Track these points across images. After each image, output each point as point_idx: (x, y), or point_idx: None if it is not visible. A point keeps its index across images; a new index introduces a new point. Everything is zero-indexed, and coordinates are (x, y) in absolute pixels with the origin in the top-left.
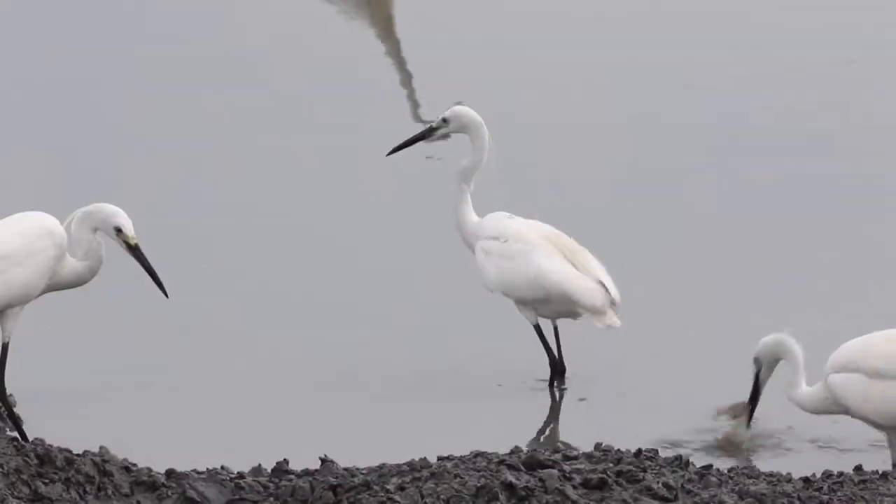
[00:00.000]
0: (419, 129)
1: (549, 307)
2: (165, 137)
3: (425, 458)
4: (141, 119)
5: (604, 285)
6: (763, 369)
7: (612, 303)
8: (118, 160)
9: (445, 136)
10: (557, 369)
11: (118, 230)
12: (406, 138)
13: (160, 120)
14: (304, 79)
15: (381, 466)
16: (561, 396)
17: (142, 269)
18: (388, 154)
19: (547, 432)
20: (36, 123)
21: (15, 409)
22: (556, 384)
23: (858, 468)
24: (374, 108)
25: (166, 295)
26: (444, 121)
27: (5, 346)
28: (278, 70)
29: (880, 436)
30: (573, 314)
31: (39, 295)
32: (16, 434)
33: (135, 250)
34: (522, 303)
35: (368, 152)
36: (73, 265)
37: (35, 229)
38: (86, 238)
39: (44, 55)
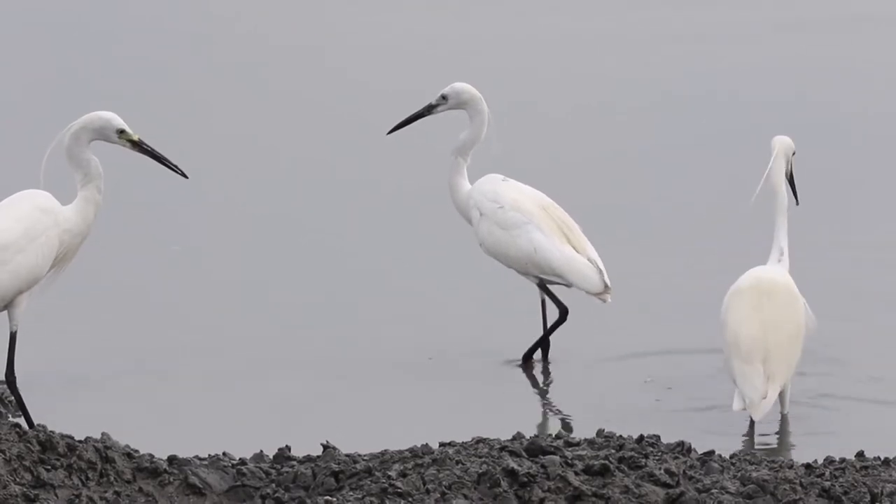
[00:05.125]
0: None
1: (542, 277)
2: (164, 138)
3: (427, 445)
4: (141, 120)
5: (598, 268)
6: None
7: (606, 286)
8: (118, 161)
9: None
10: (563, 314)
11: (121, 131)
12: (405, 116)
13: (160, 121)
14: (302, 77)
15: (383, 453)
16: (563, 382)
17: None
18: (389, 132)
19: (549, 418)
20: (36, 125)
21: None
22: (545, 363)
23: (860, 454)
24: (368, 107)
25: (185, 175)
26: (444, 98)
27: (14, 335)
28: (276, 70)
29: (882, 423)
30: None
31: (49, 270)
32: (18, 420)
33: (139, 145)
34: (516, 269)
35: (362, 150)
36: (67, 218)
37: (32, 212)
38: (84, 156)
39: (45, 57)
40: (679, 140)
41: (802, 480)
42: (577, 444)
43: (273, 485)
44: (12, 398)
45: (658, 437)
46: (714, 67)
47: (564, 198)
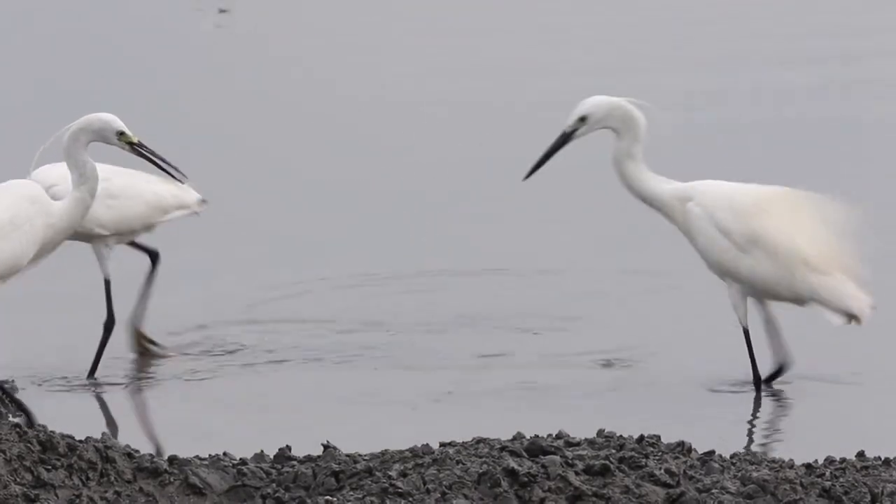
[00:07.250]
0: None
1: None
2: (163, 140)
3: (427, 445)
4: (141, 122)
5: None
6: (581, 130)
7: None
8: (117, 161)
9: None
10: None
11: (121, 133)
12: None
13: (159, 122)
14: (302, 79)
15: (384, 453)
16: (563, 382)
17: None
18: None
19: (549, 418)
20: (36, 126)
21: (16, 396)
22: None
23: (861, 454)
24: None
25: (183, 177)
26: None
27: None
28: (276, 72)
29: (882, 423)
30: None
31: (36, 258)
32: (18, 420)
33: (139, 147)
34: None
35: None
36: (53, 213)
37: (19, 201)
38: (81, 158)
39: (45, 58)
40: (679, 140)
41: (803, 480)
42: (578, 444)
43: (273, 485)
44: (13, 398)
45: (658, 437)
46: (715, 65)
47: (566, 197)
